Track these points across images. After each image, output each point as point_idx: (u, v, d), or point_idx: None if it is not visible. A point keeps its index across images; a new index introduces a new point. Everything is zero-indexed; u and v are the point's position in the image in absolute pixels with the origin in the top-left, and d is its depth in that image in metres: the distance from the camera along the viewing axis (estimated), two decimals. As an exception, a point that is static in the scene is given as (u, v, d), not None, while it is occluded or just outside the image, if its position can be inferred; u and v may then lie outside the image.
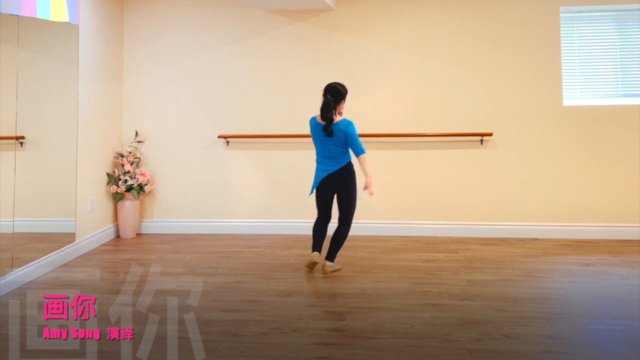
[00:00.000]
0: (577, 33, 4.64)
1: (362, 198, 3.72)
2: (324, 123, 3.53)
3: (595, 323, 2.75)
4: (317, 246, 3.67)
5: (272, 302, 3.08)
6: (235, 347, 2.50)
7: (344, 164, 3.57)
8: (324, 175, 3.59)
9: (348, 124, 3.53)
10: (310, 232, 4.71)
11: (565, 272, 3.60)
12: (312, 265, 3.63)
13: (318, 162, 3.66)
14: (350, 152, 3.62)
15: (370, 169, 3.55)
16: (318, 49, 4.80)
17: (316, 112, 4.57)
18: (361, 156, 3.53)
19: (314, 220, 4.82)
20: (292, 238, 4.64)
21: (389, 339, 2.56)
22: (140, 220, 4.90)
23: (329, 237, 3.74)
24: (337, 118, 3.55)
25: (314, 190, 3.70)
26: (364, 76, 4.71)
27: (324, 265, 3.62)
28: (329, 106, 3.48)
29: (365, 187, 3.56)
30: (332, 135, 3.49)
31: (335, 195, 3.67)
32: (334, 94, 3.51)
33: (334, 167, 3.57)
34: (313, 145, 4.86)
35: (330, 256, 3.64)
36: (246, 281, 3.47)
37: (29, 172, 3.64)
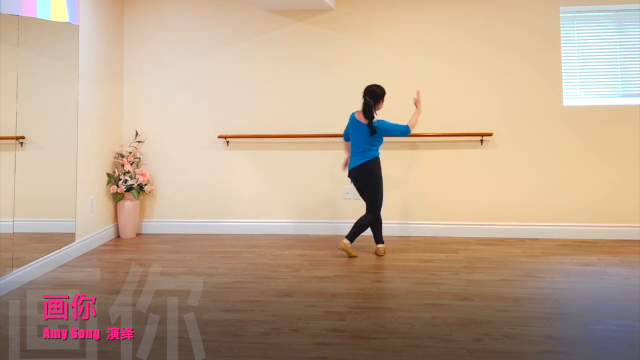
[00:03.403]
0: (577, 33, 4.64)
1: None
2: (363, 122, 3.89)
3: (595, 323, 2.75)
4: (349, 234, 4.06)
5: (272, 302, 3.08)
6: (235, 347, 2.49)
7: (367, 159, 3.91)
8: (350, 167, 4.00)
9: (378, 124, 3.88)
10: (310, 233, 4.77)
11: (565, 272, 3.60)
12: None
13: (351, 153, 4.05)
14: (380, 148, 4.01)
15: (419, 115, 4.07)
16: (318, 49, 4.80)
17: (318, 111, 4.68)
18: (411, 133, 3.97)
19: (314, 220, 4.88)
20: (292, 238, 4.64)
21: (389, 339, 2.55)
22: (140, 220, 4.90)
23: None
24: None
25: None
26: (363, 76, 4.69)
27: (341, 241, 4.00)
28: (370, 107, 3.88)
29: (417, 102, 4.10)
30: (376, 133, 3.86)
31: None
32: (372, 96, 3.89)
33: (358, 161, 3.93)
34: (313, 146, 4.98)
35: (349, 236, 3.97)
36: (246, 281, 3.47)
37: (29, 172, 3.64)
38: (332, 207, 4.78)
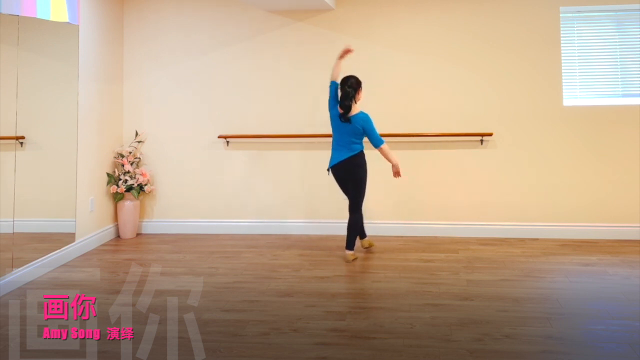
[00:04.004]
0: (577, 33, 4.64)
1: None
2: (342, 111, 3.79)
3: (595, 323, 2.75)
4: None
5: (272, 302, 3.08)
6: (235, 347, 2.50)
7: (353, 153, 3.81)
8: (334, 162, 3.86)
9: (365, 117, 3.80)
10: (310, 233, 4.77)
11: (565, 272, 3.60)
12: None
13: (333, 148, 3.92)
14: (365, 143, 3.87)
15: (393, 156, 3.86)
16: (318, 49, 4.79)
17: (318, 111, 4.63)
18: (380, 147, 3.81)
19: (314, 220, 4.86)
20: (292, 238, 4.64)
21: (389, 339, 2.56)
22: (140, 220, 4.90)
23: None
24: (356, 109, 3.80)
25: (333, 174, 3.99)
26: (363, 76, 4.66)
27: (345, 255, 3.94)
28: (348, 95, 3.76)
29: (395, 175, 3.91)
30: (350, 123, 3.75)
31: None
32: (351, 86, 3.79)
33: (344, 155, 3.82)
34: (312, 146, 4.96)
35: (349, 245, 3.92)
36: (246, 281, 3.47)
37: (29, 172, 3.64)
38: (332, 207, 4.77)
